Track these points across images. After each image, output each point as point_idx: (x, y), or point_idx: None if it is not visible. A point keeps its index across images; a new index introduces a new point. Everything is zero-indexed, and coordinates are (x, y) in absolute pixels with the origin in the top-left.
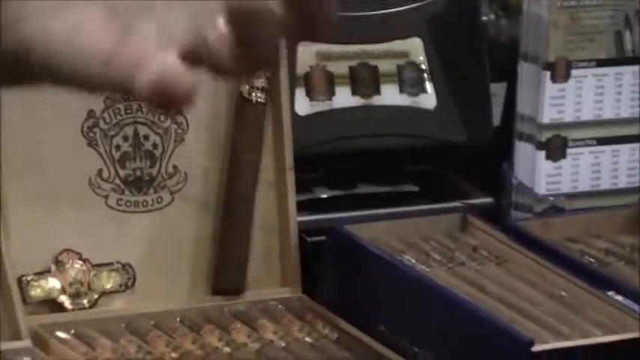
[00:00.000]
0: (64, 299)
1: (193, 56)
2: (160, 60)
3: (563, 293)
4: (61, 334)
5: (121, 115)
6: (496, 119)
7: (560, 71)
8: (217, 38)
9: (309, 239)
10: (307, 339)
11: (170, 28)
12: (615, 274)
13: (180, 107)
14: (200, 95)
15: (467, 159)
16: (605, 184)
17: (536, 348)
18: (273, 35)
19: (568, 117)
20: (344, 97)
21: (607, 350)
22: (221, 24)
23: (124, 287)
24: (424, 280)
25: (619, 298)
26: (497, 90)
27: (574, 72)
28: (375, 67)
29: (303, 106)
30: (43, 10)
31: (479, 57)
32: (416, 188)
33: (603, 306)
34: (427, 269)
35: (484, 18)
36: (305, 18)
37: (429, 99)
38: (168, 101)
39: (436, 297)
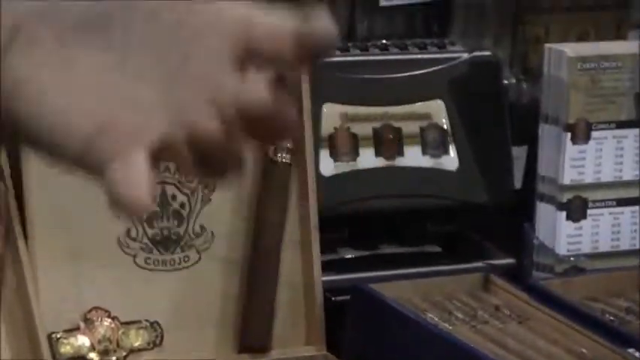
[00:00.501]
0: (93, 356)
1: (165, 154)
2: (127, 161)
3: (585, 350)
4: None
5: None
6: (517, 182)
7: (580, 133)
8: (203, 132)
9: (333, 298)
10: None
11: (152, 119)
12: (636, 332)
13: (136, 213)
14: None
15: (489, 220)
16: (625, 245)
17: None
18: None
19: (588, 178)
20: (368, 158)
21: None
22: (213, 120)
23: (152, 345)
24: (447, 337)
25: (638, 355)
26: (519, 153)
27: (594, 134)
28: (399, 129)
29: (328, 166)
30: (39, 83)
31: (500, 119)
32: (439, 249)
33: None
34: (450, 327)
35: (505, 81)
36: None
37: (451, 160)
38: (125, 207)
39: (459, 354)
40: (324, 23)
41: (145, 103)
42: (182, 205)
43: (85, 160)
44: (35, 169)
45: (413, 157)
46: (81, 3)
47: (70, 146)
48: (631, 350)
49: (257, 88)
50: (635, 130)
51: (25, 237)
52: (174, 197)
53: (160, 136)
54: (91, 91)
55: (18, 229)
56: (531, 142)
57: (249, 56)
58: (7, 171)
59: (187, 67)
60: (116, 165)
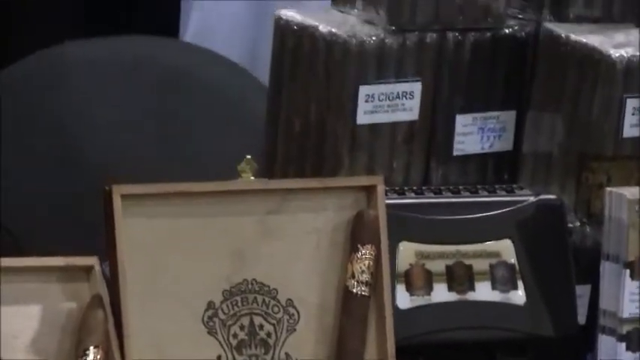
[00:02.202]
0: None
1: None
2: None
3: None
4: None
5: (238, 307)
6: (581, 318)
7: (638, 269)
8: None
9: None
10: None
11: None
12: None
13: None
14: (310, 289)
15: (555, 352)
16: None
17: None
18: None
19: None
20: (441, 293)
21: None
22: None
23: None
24: None
25: None
26: (582, 291)
27: None
28: (470, 266)
29: (404, 300)
30: None
31: (565, 259)
32: None
33: None
34: None
35: (570, 225)
36: None
37: (519, 295)
38: None
39: None
40: None
41: None
42: (269, 334)
43: None
44: (130, 301)
45: (483, 291)
46: None
47: None
48: None
49: None
50: None
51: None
52: (261, 327)
53: None
54: None
55: (117, 354)
56: (594, 281)
57: None
58: (106, 299)
59: None
60: None
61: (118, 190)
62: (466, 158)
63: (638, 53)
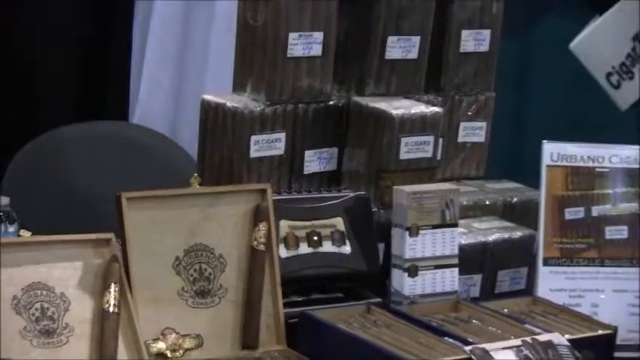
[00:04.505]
0: (168, 353)
1: None
2: None
3: (422, 340)
4: None
5: (192, 259)
6: (381, 261)
7: (414, 231)
8: None
9: (289, 320)
10: None
11: None
12: (448, 329)
13: None
14: (232, 248)
15: (367, 279)
16: (447, 288)
17: None
18: None
19: (419, 254)
20: (304, 248)
21: None
22: None
23: (197, 346)
24: (349, 334)
25: (452, 341)
26: (380, 246)
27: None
28: (319, 232)
29: (283, 252)
30: None
31: (370, 228)
32: (342, 295)
33: None
34: (352, 330)
35: (373, 209)
36: None
37: (347, 249)
38: None
39: (358, 343)
40: None
41: None
42: (210, 274)
43: None
44: (133, 257)
45: (327, 246)
46: None
47: None
48: (447, 338)
49: None
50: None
51: (130, 292)
52: (205, 270)
53: None
54: None
55: (126, 288)
56: (388, 240)
57: None
58: (119, 258)
59: None
60: None
61: (124, 195)
62: (312, 174)
63: (408, 112)
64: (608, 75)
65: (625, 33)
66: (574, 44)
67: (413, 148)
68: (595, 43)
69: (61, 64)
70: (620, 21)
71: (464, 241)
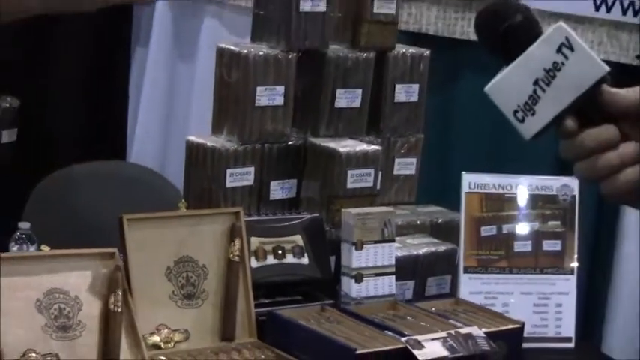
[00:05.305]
0: (161, 344)
1: None
2: None
3: (367, 334)
4: (161, 358)
5: (180, 268)
6: (333, 269)
7: (359, 246)
8: None
9: (260, 317)
10: (262, 356)
11: None
12: (389, 324)
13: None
14: (213, 259)
15: (321, 285)
16: (385, 292)
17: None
18: None
19: (362, 263)
20: (270, 259)
21: None
22: None
23: (184, 339)
24: (310, 328)
25: (392, 334)
26: (332, 259)
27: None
28: (283, 247)
29: (254, 264)
30: None
31: (324, 244)
32: (300, 297)
33: None
34: (311, 325)
35: (326, 228)
36: None
37: (305, 260)
38: None
39: (318, 336)
40: None
41: None
42: (195, 281)
43: None
44: (133, 268)
45: (289, 258)
46: None
47: None
48: (387, 331)
49: None
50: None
51: (131, 296)
52: (191, 277)
53: None
54: None
55: (127, 292)
56: (338, 253)
57: None
58: (122, 268)
59: None
60: None
61: (125, 217)
62: (276, 201)
63: (354, 149)
64: (515, 112)
65: (528, 78)
66: (488, 87)
67: (357, 179)
68: (504, 86)
69: (73, 109)
70: (524, 68)
71: (399, 253)
